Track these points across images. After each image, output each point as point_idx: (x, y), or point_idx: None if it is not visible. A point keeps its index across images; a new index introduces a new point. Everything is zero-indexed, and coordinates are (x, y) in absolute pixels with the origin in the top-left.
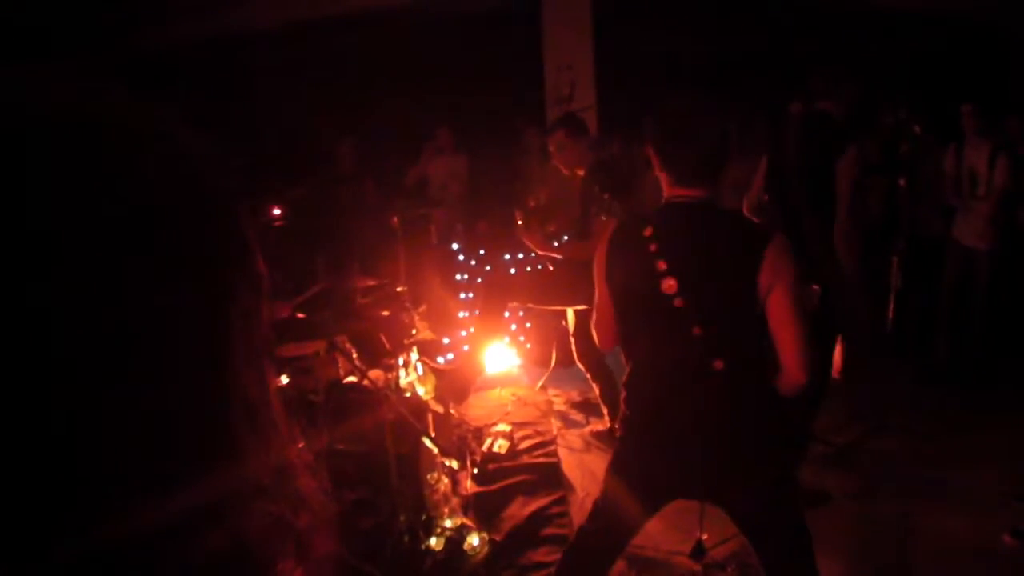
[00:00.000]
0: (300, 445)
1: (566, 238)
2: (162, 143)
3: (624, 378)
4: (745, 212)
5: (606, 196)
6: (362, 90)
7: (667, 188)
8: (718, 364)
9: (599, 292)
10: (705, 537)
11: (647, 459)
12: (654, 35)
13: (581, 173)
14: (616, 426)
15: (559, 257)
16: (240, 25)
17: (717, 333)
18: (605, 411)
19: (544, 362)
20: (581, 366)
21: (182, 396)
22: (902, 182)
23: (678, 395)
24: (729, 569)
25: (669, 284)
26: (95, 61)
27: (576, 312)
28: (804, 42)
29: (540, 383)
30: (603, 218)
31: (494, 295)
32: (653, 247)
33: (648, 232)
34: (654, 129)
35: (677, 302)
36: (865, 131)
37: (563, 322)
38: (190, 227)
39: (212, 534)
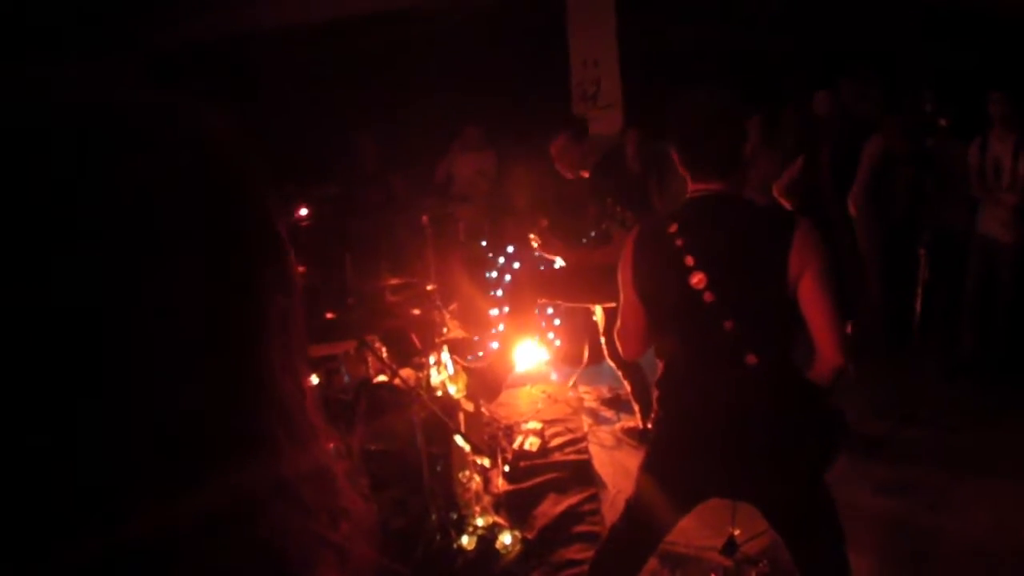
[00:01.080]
0: (334, 446)
1: (585, 241)
2: (192, 141)
3: (657, 376)
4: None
5: (618, 208)
6: (389, 89)
7: (691, 183)
8: (751, 358)
9: (625, 298)
10: (737, 533)
11: (681, 457)
12: (680, 31)
13: (586, 175)
14: (649, 425)
15: (582, 262)
16: (268, 23)
17: (749, 326)
18: (636, 408)
19: (573, 359)
20: (612, 364)
21: (215, 395)
22: (930, 175)
23: (712, 391)
24: (761, 564)
25: (698, 279)
26: (114, 60)
27: (605, 309)
28: (832, 37)
29: (572, 381)
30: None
31: (523, 292)
32: (679, 242)
33: (673, 228)
34: (673, 126)
35: (707, 296)
36: (890, 122)
37: (592, 318)
38: (225, 226)
39: (244, 540)
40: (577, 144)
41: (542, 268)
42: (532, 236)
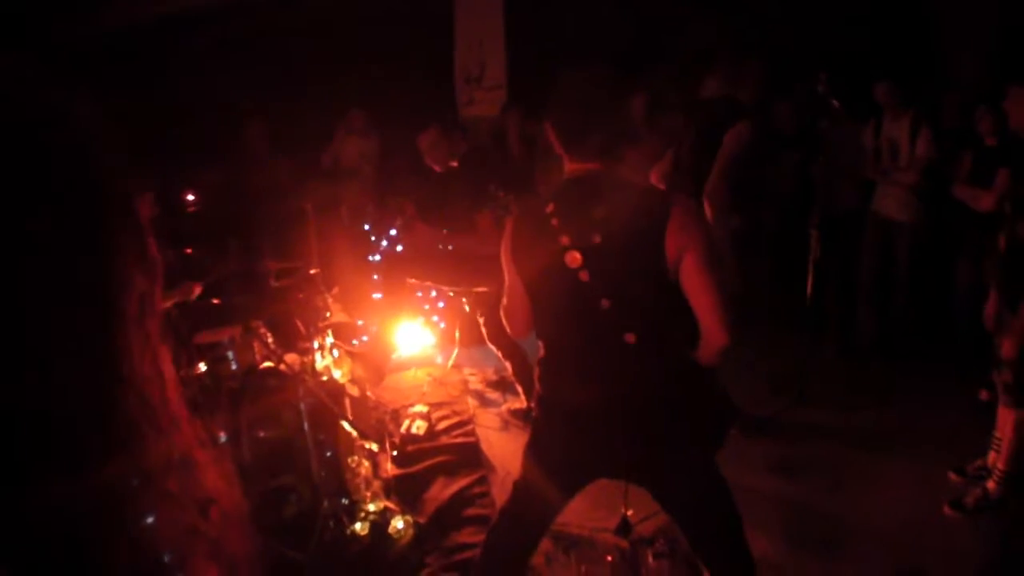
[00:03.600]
0: (203, 436)
1: (450, 229)
2: (59, 128)
3: (539, 355)
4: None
5: (501, 194)
6: (275, 72)
7: (567, 163)
8: (629, 337)
9: (508, 278)
10: (630, 513)
11: (564, 438)
12: (568, 14)
13: (455, 165)
14: (532, 405)
15: (454, 245)
16: (156, 9)
17: (626, 305)
18: (520, 390)
19: (464, 341)
20: (492, 347)
21: (74, 384)
22: (819, 157)
23: (591, 371)
24: (657, 543)
25: (573, 258)
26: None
27: (476, 294)
28: (722, 23)
29: (449, 362)
30: (488, 212)
31: (393, 272)
32: (555, 222)
33: (550, 208)
34: (551, 107)
35: (582, 275)
36: (780, 106)
37: (463, 302)
38: (80, 212)
39: (113, 534)
40: (448, 137)
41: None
42: (406, 206)
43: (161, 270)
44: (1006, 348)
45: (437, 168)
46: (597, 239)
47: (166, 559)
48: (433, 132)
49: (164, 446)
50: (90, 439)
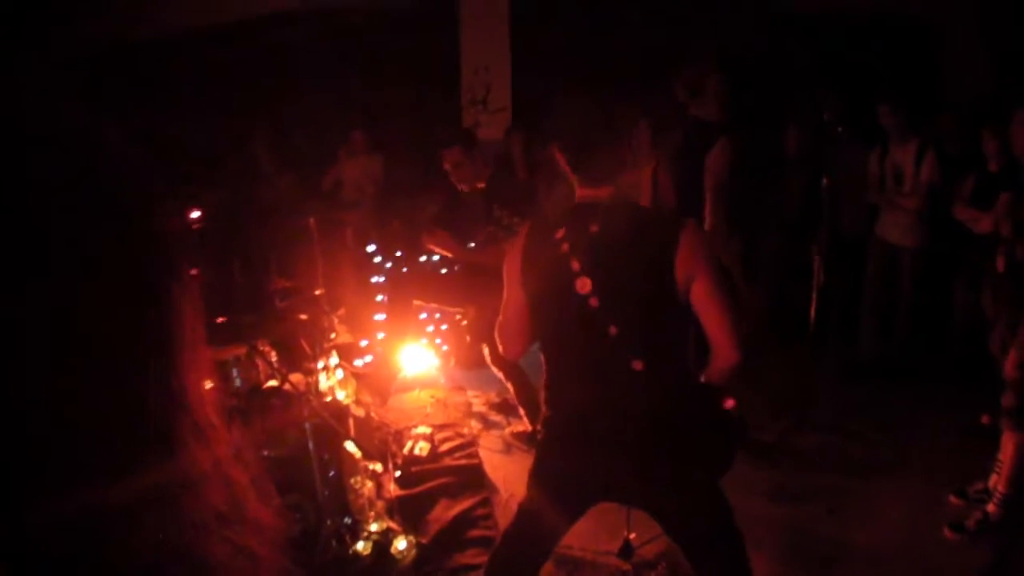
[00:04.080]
0: (235, 452)
1: (472, 245)
2: (88, 148)
3: (543, 379)
4: None
5: (504, 212)
6: (279, 91)
7: (577, 188)
8: (637, 364)
9: (509, 297)
10: (633, 536)
11: (570, 461)
12: (573, 39)
13: (481, 186)
14: (537, 427)
15: (467, 260)
16: (157, 27)
17: (634, 332)
18: (522, 413)
19: (462, 363)
20: (494, 369)
21: (121, 393)
22: (825, 179)
23: (598, 396)
24: (660, 567)
25: (583, 283)
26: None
27: (477, 315)
28: (723, 46)
29: (442, 378)
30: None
31: (398, 293)
32: (565, 247)
33: (560, 234)
34: (559, 132)
35: (592, 302)
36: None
37: (461, 324)
38: (123, 236)
39: (164, 551)
40: (469, 157)
41: (421, 268)
42: (424, 218)
43: (194, 284)
44: (1008, 369)
45: (464, 188)
46: (607, 265)
47: (208, 565)
48: (456, 151)
49: (207, 457)
50: (143, 446)
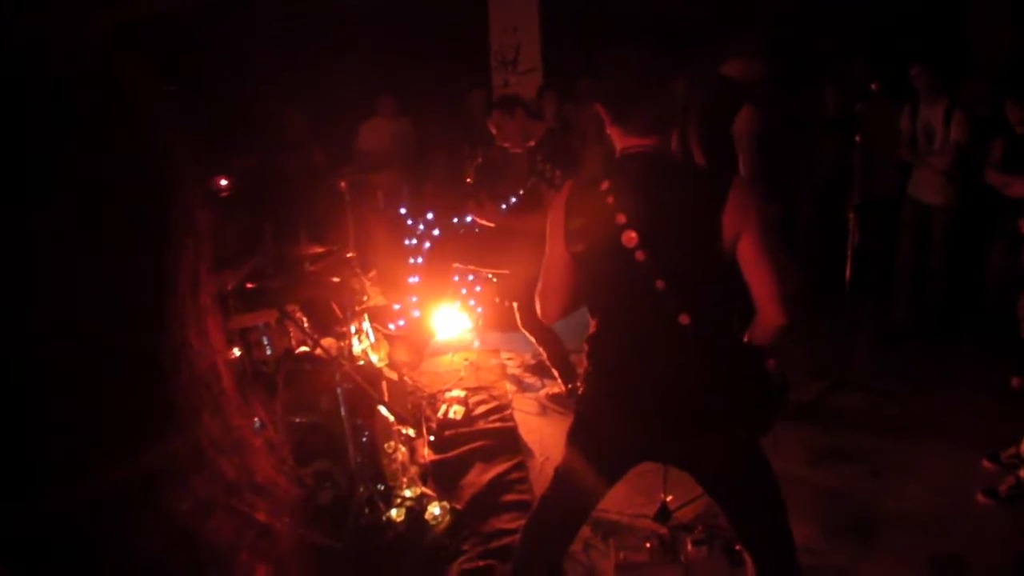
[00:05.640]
0: (257, 420)
1: (513, 200)
2: (122, 97)
3: (589, 332)
4: None
5: (547, 166)
6: (308, 56)
7: (620, 141)
8: (684, 318)
9: (552, 254)
10: (669, 499)
11: (612, 416)
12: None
13: (532, 144)
14: (578, 384)
15: (510, 227)
16: None
17: (682, 286)
18: (556, 374)
19: (492, 325)
20: (526, 332)
21: (128, 359)
22: (857, 138)
23: (644, 350)
24: (696, 531)
25: (630, 237)
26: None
27: (513, 276)
28: (754, 6)
29: (476, 341)
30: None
31: (437, 256)
32: (611, 200)
33: (605, 186)
34: (602, 84)
35: (639, 255)
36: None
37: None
38: (139, 188)
39: (165, 513)
40: (511, 117)
41: (461, 232)
42: (467, 170)
43: (211, 251)
44: None
45: (517, 150)
46: (655, 219)
47: (218, 548)
48: (495, 116)
49: (219, 427)
50: (142, 418)
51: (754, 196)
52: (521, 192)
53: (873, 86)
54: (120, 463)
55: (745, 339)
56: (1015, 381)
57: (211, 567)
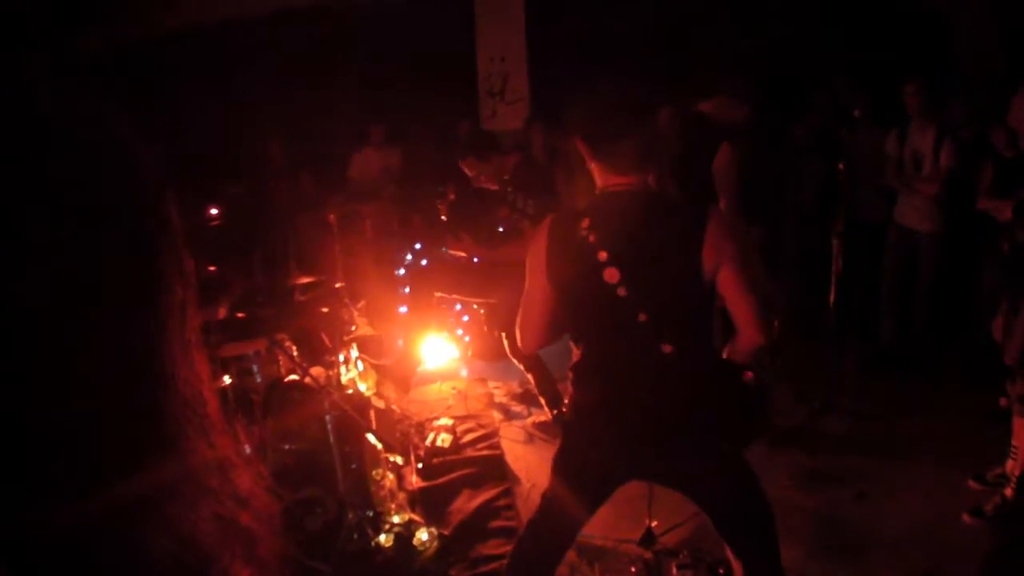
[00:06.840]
0: (239, 441)
1: (501, 230)
2: (100, 134)
3: (573, 360)
4: None
5: (519, 195)
6: (296, 85)
7: (602, 178)
8: (667, 348)
9: (533, 288)
10: (655, 524)
11: (597, 441)
12: (589, 28)
13: (506, 178)
14: (562, 410)
15: (489, 259)
16: (167, 24)
17: (663, 318)
18: (543, 402)
19: (481, 355)
20: (514, 359)
21: (118, 386)
22: (840, 165)
23: (628, 378)
24: (681, 555)
25: (611, 273)
26: (37, 59)
27: (499, 305)
28: (742, 28)
29: (463, 370)
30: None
31: (420, 285)
32: (592, 238)
33: (585, 223)
34: (583, 122)
35: (620, 291)
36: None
37: (480, 312)
38: (124, 216)
39: (155, 528)
40: (485, 160)
41: (447, 263)
42: (440, 206)
43: (195, 279)
44: (1010, 353)
45: (493, 187)
46: (635, 255)
47: (205, 550)
48: (469, 162)
49: (205, 447)
50: (138, 438)
51: (731, 228)
52: (500, 228)
53: (856, 112)
54: (118, 478)
55: (724, 355)
56: (1003, 401)
57: (199, 569)
